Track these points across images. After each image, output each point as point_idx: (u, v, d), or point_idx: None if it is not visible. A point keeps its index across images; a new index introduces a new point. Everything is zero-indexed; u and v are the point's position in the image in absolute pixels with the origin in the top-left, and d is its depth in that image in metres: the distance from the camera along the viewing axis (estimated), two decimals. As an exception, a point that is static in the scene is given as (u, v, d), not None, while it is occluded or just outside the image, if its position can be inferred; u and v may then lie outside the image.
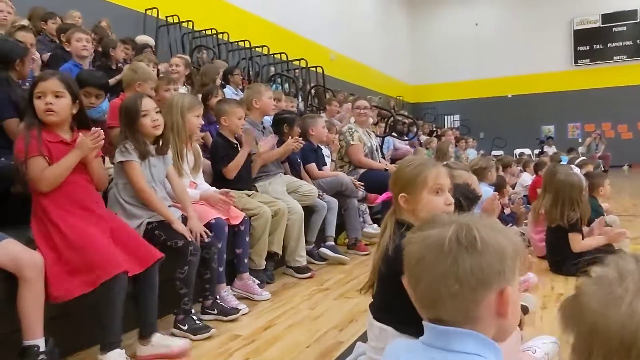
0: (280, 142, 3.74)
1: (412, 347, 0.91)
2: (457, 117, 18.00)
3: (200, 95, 4.07)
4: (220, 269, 2.62)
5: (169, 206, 2.46)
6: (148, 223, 2.29)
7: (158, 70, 4.40)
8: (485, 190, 3.71)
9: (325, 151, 4.58)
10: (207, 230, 2.44)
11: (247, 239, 2.93)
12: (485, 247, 0.83)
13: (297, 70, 9.11)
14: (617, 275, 0.51)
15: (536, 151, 14.17)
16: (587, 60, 17.00)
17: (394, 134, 7.87)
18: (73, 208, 1.98)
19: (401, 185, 1.58)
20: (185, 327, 2.25)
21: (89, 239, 1.90)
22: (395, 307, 1.37)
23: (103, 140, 2.04)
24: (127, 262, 1.92)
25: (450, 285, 0.82)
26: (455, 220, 0.87)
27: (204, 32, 8.22)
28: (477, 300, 0.83)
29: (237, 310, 2.53)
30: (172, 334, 2.27)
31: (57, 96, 1.97)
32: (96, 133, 2.00)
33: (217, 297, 2.58)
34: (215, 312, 2.50)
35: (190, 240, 2.28)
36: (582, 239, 3.24)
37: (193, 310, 2.32)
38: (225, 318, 2.48)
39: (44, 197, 1.95)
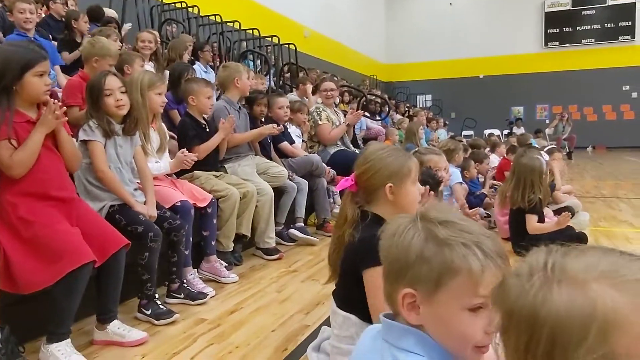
0: (251, 122, 3.69)
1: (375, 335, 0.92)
2: (429, 96, 18.09)
3: (167, 72, 3.95)
4: (187, 252, 2.58)
5: (135, 189, 2.41)
6: (110, 206, 2.23)
7: (122, 46, 4.23)
8: (453, 172, 3.79)
9: (296, 131, 4.54)
10: (171, 214, 2.40)
11: (215, 221, 2.89)
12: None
13: (269, 47, 8.93)
14: (528, 271, 0.59)
15: (505, 132, 14.39)
16: (557, 43, 17.25)
17: (366, 113, 7.84)
18: (41, 196, 1.87)
19: (387, 174, 1.50)
20: (149, 312, 2.22)
21: (56, 227, 1.83)
22: (359, 300, 1.38)
23: (64, 112, 1.94)
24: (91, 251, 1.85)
25: None
26: None
27: (173, 5, 7.94)
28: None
29: (204, 295, 2.51)
30: (136, 318, 2.24)
31: None
32: (54, 105, 1.89)
33: (184, 280, 2.55)
34: (182, 296, 2.48)
35: (150, 225, 2.22)
36: (540, 222, 3.33)
37: (157, 295, 2.29)
38: (192, 302, 2.46)
39: (11, 186, 1.83)
